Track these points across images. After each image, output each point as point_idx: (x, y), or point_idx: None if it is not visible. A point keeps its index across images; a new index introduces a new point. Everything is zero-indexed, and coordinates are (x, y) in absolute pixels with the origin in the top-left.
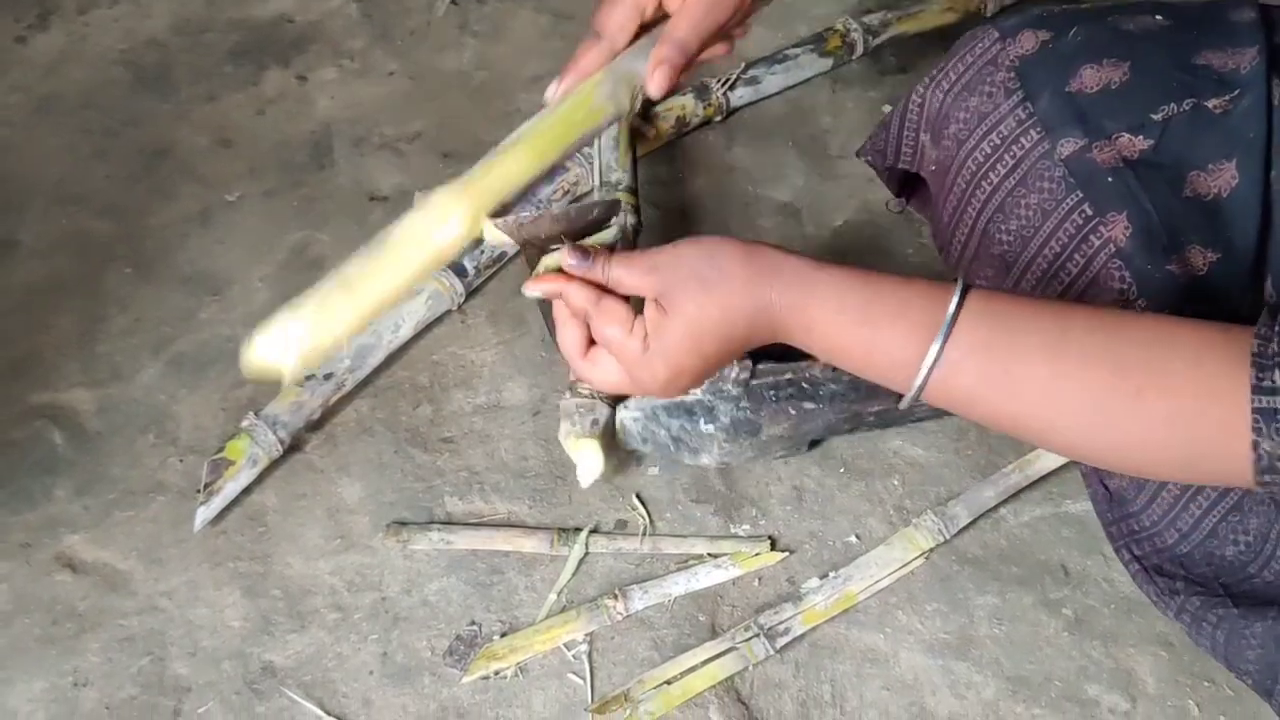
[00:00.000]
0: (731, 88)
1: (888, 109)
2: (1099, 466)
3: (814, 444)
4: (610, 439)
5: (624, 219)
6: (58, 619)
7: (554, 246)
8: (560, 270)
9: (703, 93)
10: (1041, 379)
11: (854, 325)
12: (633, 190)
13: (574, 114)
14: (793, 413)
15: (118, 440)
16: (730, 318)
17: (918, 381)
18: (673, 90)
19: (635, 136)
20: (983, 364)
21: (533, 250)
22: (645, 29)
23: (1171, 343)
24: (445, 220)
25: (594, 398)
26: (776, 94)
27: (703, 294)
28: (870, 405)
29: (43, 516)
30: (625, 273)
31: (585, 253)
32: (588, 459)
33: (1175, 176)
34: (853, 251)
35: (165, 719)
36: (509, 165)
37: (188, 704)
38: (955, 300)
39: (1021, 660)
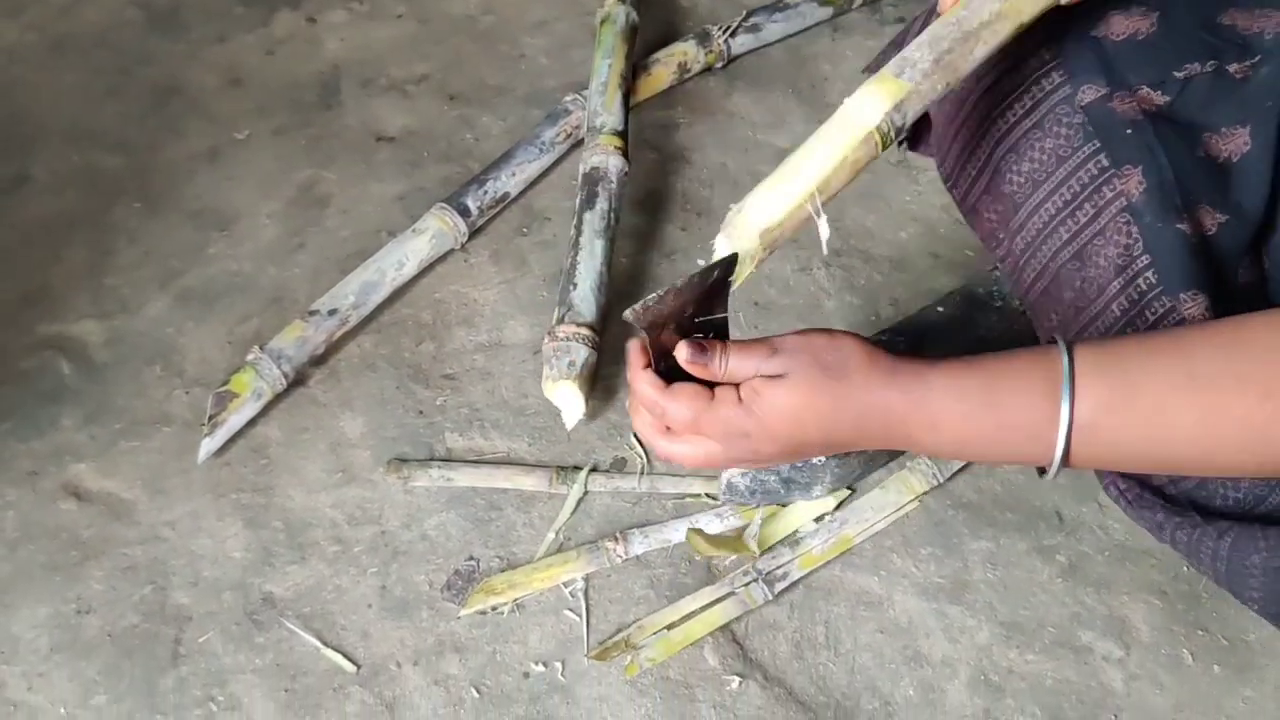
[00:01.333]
0: (733, 35)
1: None
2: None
3: None
4: (590, 379)
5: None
6: (62, 546)
7: (689, 315)
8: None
9: (704, 39)
10: (1188, 425)
11: (979, 410)
12: (620, 133)
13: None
14: None
15: (125, 371)
16: (840, 412)
17: (1058, 452)
18: None
19: (626, 82)
20: (1119, 422)
21: (656, 330)
22: None
23: None
24: (866, 106)
25: (570, 340)
26: (777, 41)
27: (822, 379)
28: None
29: (50, 445)
30: (741, 361)
31: (702, 348)
32: (568, 400)
33: (1190, 135)
34: (851, 198)
35: (166, 647)
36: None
37: (188, 633)
38: (1065, 360)
39: (1015, 606)
